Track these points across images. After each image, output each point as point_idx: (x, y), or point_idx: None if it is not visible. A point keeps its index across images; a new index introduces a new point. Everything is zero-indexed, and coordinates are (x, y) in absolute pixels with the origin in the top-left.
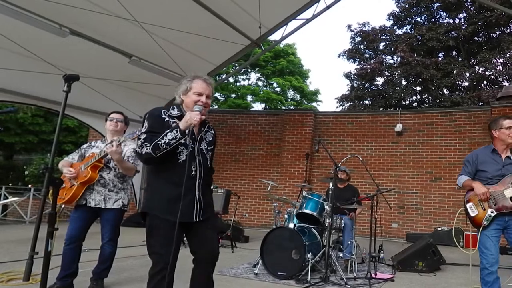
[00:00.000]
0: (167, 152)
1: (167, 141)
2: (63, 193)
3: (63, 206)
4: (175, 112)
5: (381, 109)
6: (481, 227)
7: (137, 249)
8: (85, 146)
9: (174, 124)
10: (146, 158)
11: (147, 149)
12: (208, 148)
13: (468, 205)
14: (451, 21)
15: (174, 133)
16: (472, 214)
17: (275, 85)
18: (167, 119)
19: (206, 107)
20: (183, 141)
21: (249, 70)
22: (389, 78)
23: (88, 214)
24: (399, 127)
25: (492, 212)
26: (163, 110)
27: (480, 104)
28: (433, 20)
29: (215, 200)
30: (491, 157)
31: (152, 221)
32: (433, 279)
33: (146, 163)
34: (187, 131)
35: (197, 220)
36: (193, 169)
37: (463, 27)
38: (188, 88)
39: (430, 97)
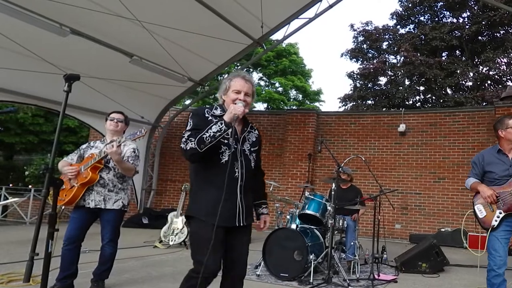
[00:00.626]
0: (210, 149)
1: (211, 133)
2: (63, 194)
3: (63, 207)
4: (218, 112)
5: (384, 109)
6: (490, 229)
7: (138, 250)
8: (84, 146)
9: (217, 119)
10: (191, 153)
11: (192, 144)
12: (252, 149)
13: (476, 207)
14: (454, 20)
15: (219, 125)
16: (480, 216)
17: (277, 85)
18: (210, 118)
19: (246, 105)
20: (225, 141)
21: (251, 69)
22: (392, 77)
23: (87, 215)
24: (402, 127)
25: (500, 213)
26: (206, 110)
27: (484, 104)
28: (436, 19)
29: None
30: (498, 157)
31: (195, 226)
32: (437, 280)
33: (190, 160)
34: (232, 123)
35: (241, 224)
36: (236, 170)
37: (467, 27)
38: (227, 87)
39: (433, 97)
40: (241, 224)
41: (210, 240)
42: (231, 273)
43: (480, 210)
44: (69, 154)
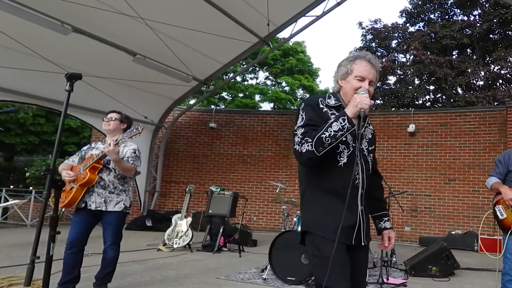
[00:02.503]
0: (329, 151)
1: (332, 133)
2: (62, 196)
3: (63, 209)
4: (332, 101)
5: (393, 109)
6: (509, 232)
7: (141, 253)
8: (85, 148)
9: (333, 116)
10: (308, 157)
11: (308, 145)
12: (369, 148)
13: (496, 208)
14: (465, 18)
15: (341, 123)
16: (500, 217)
17: (284, 84)
18: (325, 109)
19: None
20: (343, 138)
21: (257, 68)
22: (402, 77)
23: (89, 217)
24: (412, 128)
25: None
26: (320, 99)
27: (496, 103)
28: (446, 17)
29: (221, 203)
30: None
31: (313, 242)
32: (447, 284)
33: (306, 165)
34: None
35: (363, 243)
36: (356, 175)
37: (478, 24)
38: (349, 70)
39: (443, 97)
40: (363, 243)
41: (339, 261)
42: None
43: (501, 212)
44: (71, 155)
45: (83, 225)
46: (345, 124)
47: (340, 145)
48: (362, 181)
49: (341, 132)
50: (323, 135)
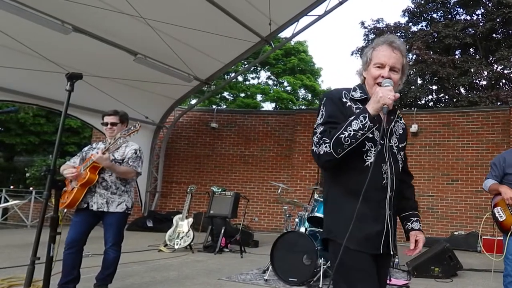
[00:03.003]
0: (353, 149)
1: (352, 133)
2: (64, 196)
3: (65, 210)
4: (357, 94)
5: None
6: (509, 233)
7: (142, 254)
8: (86, 148)
9: (358, 111)
10: (326, 160)
11: (326, 147)
12: (400, 145)
13: (495, 209)
14: (468, 17)
15: (361, 120)
16: (500, 219)
17: (285, 84)
18: (349, 103)
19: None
20: (370, 135)
21: (258, 68)
22: None
23: (89, 218)
24: (414, 128)
25: None
26: (344, 92)
27: (499, 103)
28: (449, 16)
29: (223, 203)
30: None
31: (335, 252)
32: (450, 285)
33: (323, 168)
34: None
35: (389, 252)
36: (384, 176)
37: (481, 24)
38: (368, 59)
39: (446, 97)
40: (391, 252)
41: (362, 273)
42: None
43: (499, 213)
44: (72, 155)
45: (83, 226)
46: (366, 122)
47: (366, 142)
48: (390, 182)
49: (361, 132)
50: (342, 135)
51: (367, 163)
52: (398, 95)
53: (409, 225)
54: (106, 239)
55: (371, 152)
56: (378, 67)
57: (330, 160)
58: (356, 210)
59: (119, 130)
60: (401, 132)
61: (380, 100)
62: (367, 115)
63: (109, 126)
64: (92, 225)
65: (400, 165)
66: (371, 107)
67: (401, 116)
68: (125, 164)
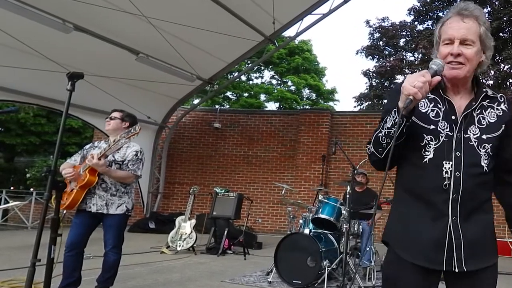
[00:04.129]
0: (397, 151)
1: (386, 131)
2: (64, 197)
3: (64, 211)
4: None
5: None
6: None
7: (144, 256)
8: (87, 147)
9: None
10: (373, 160)
11: (370, 147)
12: (486, 136)
13: None
14: None
15: (392, 116)
16: None
17: (289, 83)
18: None
19: (462, 63)
20: (430, 127)
21: (262, 67)
22: None
23: (89, 219)
24: None
25: None
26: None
27: None
28: None
29: (226, 204)
30: None
31: (387, 259)
32: None
33: (375, 168)
34: (415, 109)
35: (456, 270)
36: (445, 175)
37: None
38: (437, 37)
39: None
40: (456, 269)
41: (401, 283)
42: None
43: None
44: (72, 156)
45: (84, 227)
46: (395, 117)
47: (425, 135)
48: (455, 183)
49: (394, 129)
50: (380, 134)
51: (425, 160)
52: (436, 79)
53: None
54: (105, 241)
55: (430, 147)
56: (447, 43)
57: (375, 160)
58: (412, 212)
59: (117, 126)
60: (492, 121)
61: (403, 91)
62: (396, 110)
63: (108, 119)
64: (93, 226)
65: (485, 162)
66: (401, 101)
67: (504, 99)
68: (124, 166)
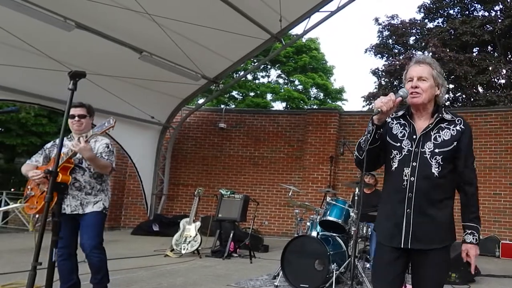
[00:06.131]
0: (385, 154)
1: (364, 138)
2: (33, 201)
3: (37, 216)
4: (400, 112)
5: None
6: None
7: (148, 259)
8: (48, 145)
9: (396, 126)
10: (356, 161)
11: (354, 150)
12: (438, 150)
13: None
14: (486, 13)
15: (368, 125)
16: None
17: (296, 82)
18: (389, 120)
19: (418, 93)
20: (397, 144)
21: (268, 66)
22: None
23: (69, 221)
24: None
25: None
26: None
27: None
28: (467, 12)
29: (232, 206)
30: None
31: (376, 244)
32: None
33: (359, 169)
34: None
35: (407, 247)
36: (404, 178)
37: (499, 20)
38: (404, 78)
39: (463, 96)
40: (409, 246)
41: (382, 262)
42: None
43: None
44: (32, 156)
45: (66, 229)
46: (369, 126)
47: (392, 150)
48: (410, 185)
49: (369, 135)
50: (361, 140)
51: (392, 168)
52: (398, 99)
53: (463, 236)
54: (83, 243)
55: (395, 159)
56: (409, 81)
57: (357, 161)
58: (386, 208)
59: (87, 123)
60: (446, 138)
61: (374, 105)
62: (371, 120)
63: (76, 119)
64: (75, 227)
65: (435, 169)
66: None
67: (462, 121)
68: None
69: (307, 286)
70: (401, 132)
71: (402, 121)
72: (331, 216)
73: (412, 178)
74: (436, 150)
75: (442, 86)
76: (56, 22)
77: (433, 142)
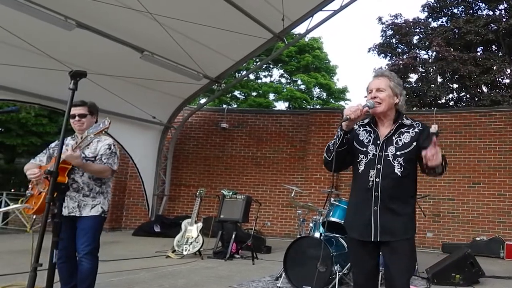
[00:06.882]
0: (352, 158)
1: (333, 141)
2: (31, 201)
3: (34, 217)
4: (366, 120)
5: (414, 108)
6: None
7: (149, 261)
8: (53, 145)
9: (363, 132)
10: (324, 162)
11: (324, 152)
12: (399, 153)
13: None
14: (490, 13)
15: (337, 131)
16: None
17: (299, 82)
18: (356, 127)
19: (379, 103)
20: (363, 149)
21: (271, 66)
22: (424, 74)
23: (66, 223)
24: (434, 128)
25: None
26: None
27: None
28: (471, 11)
29: (234, 207)
30: None
31: (347, 238)
32: None
33: (327, 169)
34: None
35: (377, 240)
36: (370, 179)
37: (504, 20)
38: (366, 91)
39: (468, 95)
40: (378, 239)
41: (353, 254)
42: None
43: None
44: (36, 156)
45: (64, 232)
46: (338, 131)
47: (359, 155)
48: (376, 185)
49: (337, 139)
50: (330, 143)
51: (359, 171)
52: (365, 109)
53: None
54: (78, 246)
55: (362, 162)
56: (370, 92)
57: (326, 163)
58: (353, 205)
59: (89, 123)
60: (406, 141)
61: (344, 112)
62: (340, 126)
63: (77, 118)
64: (73, 229)
65: (398, 170)
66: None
67: (420, 124)
68: (98, 161)
69: (310, 287)
70: (366, 138)
71: (368, 128)
72: (334, 217)
73: (377, 179)
74: (398, 153)
75: (401, 95)
76: (57, 22)
77: (394, 146)
